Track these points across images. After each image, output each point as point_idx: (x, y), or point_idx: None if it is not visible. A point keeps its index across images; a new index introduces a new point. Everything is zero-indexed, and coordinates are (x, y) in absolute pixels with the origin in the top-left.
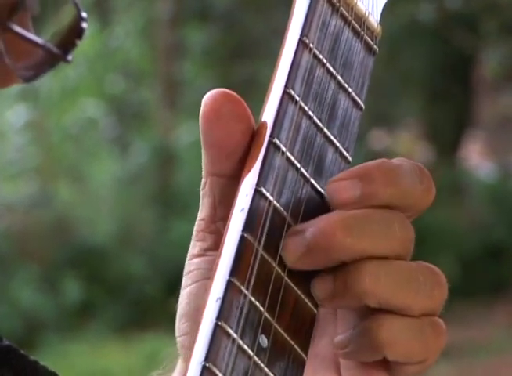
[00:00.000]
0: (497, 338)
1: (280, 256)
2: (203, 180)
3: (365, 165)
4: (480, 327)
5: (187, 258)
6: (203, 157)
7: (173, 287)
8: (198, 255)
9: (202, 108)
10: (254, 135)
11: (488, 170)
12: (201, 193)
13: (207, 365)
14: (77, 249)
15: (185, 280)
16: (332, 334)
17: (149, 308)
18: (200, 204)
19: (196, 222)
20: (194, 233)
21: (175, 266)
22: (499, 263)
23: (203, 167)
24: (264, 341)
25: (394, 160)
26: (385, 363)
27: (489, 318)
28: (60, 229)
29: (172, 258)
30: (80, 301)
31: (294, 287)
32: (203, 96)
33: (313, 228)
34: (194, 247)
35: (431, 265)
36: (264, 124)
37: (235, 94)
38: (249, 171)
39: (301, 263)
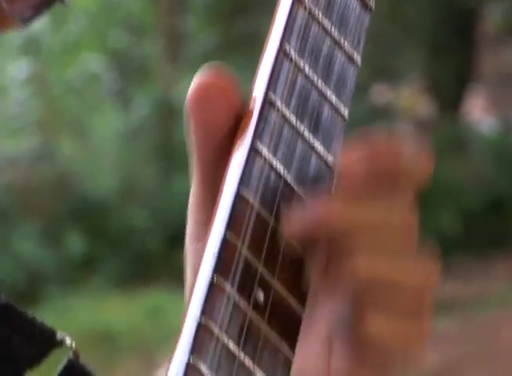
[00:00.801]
0: (499, 291)
1: (276, 212)
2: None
3: (372, 141)
4: (482, 281)
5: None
6: (190, 134)
7: (175, 240)
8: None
9: (189, 93)
10: (248, 100)
11: (491, 124)
12: (190, 168)
13: (203, 320)
14: (79, 203)
15: (187, 262)
16: (329, 313)
17: (152, 262)
18: (193, 175)
19: (190, 195)
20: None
21: (177, 220)
22: (501, 217)
23: (191, 145)
24: (260, 295)
25: (396, 137)
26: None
27: (491, 272)
28: (62, 183)
29: (174, 211)
30: (82, 254)
31: (290, 243)
32: (205, 50)
33: (313, 201)
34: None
35: (428, 244)
36: (257, 85)
37: (225, 76)
38: (244, 128)
39: (297, 234)
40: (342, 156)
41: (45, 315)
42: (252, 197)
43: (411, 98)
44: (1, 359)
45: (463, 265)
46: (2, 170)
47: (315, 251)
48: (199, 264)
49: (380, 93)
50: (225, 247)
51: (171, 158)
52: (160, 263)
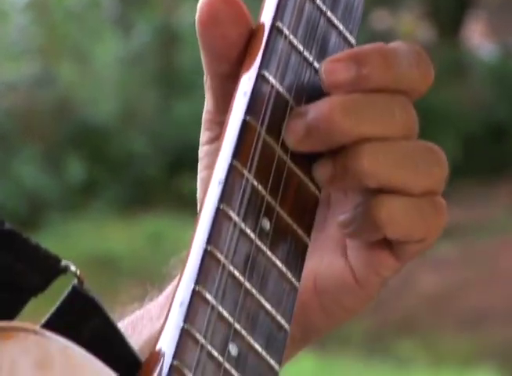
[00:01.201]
0: (499, 217)
1: (283, 139)
2: (205, 75)
3: (360, 48)
4: (482, 206)
5: (199, 145)
6: (202, 57)
7: (175, 166)
8: (207, 143)
9: (198, 13)
10: (255, 28)
11: (490, 50)
12: (205, 86)
13: (209, 248)
14: (79, 128)
15: (198, 167)
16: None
17: (152, 187)
18: (206, 94)
19: (204, 111)
20: (203, 121)
21: (178, 146)
22: (502, 143)
23: (203, 66)
24: (266, 224)
25: (391, 44)
26: (388, 243)
27: (491, 198)
28: (63, 109)
29: (175, 137)
30: (82, 180)
31: (297, 170)
32: None
33: (313, 110)
34: (203, 135)
35: (431, 144)
36: (265, 13)
37: None
38: (251, 56)
39: (301, 145)
40: (327, 64)
41: (46, 240)
42: (259, 124)
43: (411, 23)
44: (5, 287)
45: (463, 190)
46: (3, 95)
47: (321, 160)
48: (205, 191)
49: (381, 19)
50: (232, 174)
51: (172, 84)
52: (160, 188)
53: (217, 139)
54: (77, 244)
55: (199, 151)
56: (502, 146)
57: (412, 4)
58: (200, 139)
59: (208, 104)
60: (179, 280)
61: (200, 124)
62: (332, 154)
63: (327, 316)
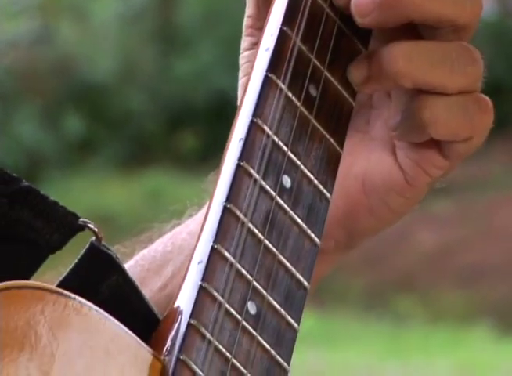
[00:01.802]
0: (496, 174)
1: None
2: None
3: None
4: (479, 163)
5: (240, 52)
6: None
7: (174, 123)
8: (248, 49)
9: None
10: None
11: (488, 8)
12: None
13: (228, 206)
14: (78, 86)
15: (240, 73)
16: (386, 118)
17: (151, 144)
18: (247, 0)
19: (245, 18)
20: (244, 28)
21: (177, 103)
22: (499, 101)
23: None
24: (287, 181)
25: None
26: (435, 143)
27: (489, 155)
28: (62, 66)
29: (174, 94)
30: (82, 137)
31: (332, 79)
32: None
33: None
34: (244, 42)
35: (465, 43)
36: None
37: None
38: (273, 11)
39: (370, 19)
40: None
41: None
42: (281, 81)
43: None
44: (25, 243)
45: None
46: (2, 52)
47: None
48: (226, 149)
49: None
50: (253, 131)
51: (171, 41)
52: (159, 146)
53: (257, 44)
54: (76, 200)
55: (240, 58)
56: (499, 103)
57: None
58: (241, 45)
59: (249, 10)
60: (198, 237)
61: (199, 81)
62: (367, 56)
63: (374, 217)
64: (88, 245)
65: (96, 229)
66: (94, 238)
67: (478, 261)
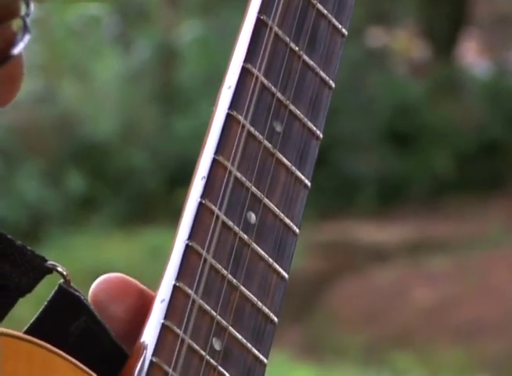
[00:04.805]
0: (493, 231)
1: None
2: None
3: None
4: (476, 221)
5: None
6: None
7: (174, 181)
8: None
9: (90, 296)
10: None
11: (484, 67)
12: None
13: (190, 243)
14: (80, 144)
15: None
16: None
17: (152, 202)
18: None
19: None
20: None
21: (177, 161)
22: (495, 160)
23: None
24: (251, 216)
25: None
26: None
27: (485, 212)
28: (64, 126)
29: (174, 153)
30: (83, 195)
31: (296, 113)
32: None
33: None
34: None
35: None
36: (251, 6)
37: (120, 278)
38: (236, 49)
39: None
40: None
41: (47, 254)
42: (243, 118)
43: (406, 41)
44: None
45: (457, 206)
46: (5, 112)
47: None
48: (190, 187)
49: (376, 36)
50: (215, 169)
51: (171, 101)
52: (160, 203)
53: None
54: (78, 257)
55: None
56: (495, 162)
57: (408, 22)
58: None
59: None
60: (161, 276)
61: (199, 139)
62: None
63: None
64: (56, 288)
65: (65, 272)
66: (62, 281)
67: (475, 317)
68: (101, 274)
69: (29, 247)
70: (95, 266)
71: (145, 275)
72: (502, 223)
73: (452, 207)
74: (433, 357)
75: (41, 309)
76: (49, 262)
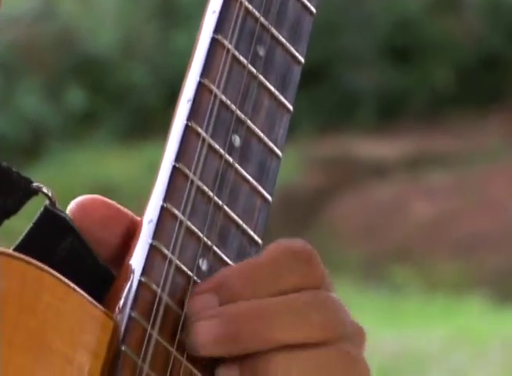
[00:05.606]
0: (492, 146)
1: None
2: None
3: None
4: (474, 135)
5: None
6: None
7: (175, 96)
8: None
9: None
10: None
11: None
12: None
13: (177, 165)
14: (80, 59)
15: None
16: None
17: (151, 117)
18: None
19: None
20: None
21: (177, 76)
22: (496, 73)
23: None
24: (236, 139)
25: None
26: None
27: (484, 127)
28: (64, 40)
29: (174, 67)
30: (83, 110)
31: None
32: None
33: (224, 316)
34: None
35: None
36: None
37: (102, 200)
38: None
39: (209, 351)
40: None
41: (47, 169)
42: (228, 42)
43: None
44: None
45: (456, 120)
46: (5, 28)
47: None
48: (175, 109)
49: None
50: (200, 92)
51: (172, 15)
52: (160, 119)
53: None
54: (78, 172)
55: None
56: (495, 75)
57: None
58: None
59: None
60: (149, 197)
61: None
62: (238, 359)
63: None
64: (42, 209)
65: (50, 194)
66: (48, 202)
67: (474, 231)
68: (102, 188)
69: (14, 169)
70: (95, 181)
71: (144, 189)
72: (502, 137)
73: (452, 121)
74: (432, 271)
75: (26, 231)
76: (35, 184)
